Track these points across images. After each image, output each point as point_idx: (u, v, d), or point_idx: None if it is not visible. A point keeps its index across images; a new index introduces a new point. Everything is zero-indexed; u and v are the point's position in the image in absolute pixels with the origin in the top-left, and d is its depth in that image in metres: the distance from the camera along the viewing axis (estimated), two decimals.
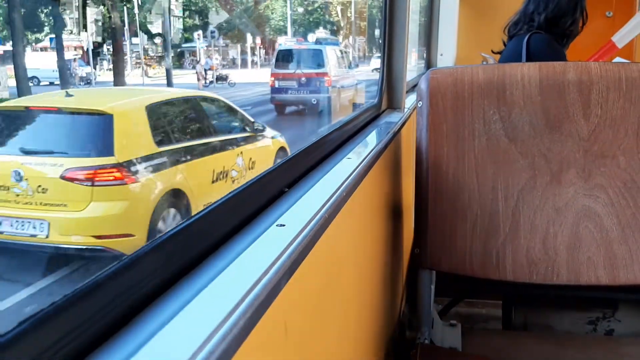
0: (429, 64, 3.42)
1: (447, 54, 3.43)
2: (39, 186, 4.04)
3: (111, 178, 4.10)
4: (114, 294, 0.49)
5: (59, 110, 4.63)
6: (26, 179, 4.04)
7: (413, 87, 2.35)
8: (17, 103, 5.09)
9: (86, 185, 4.07)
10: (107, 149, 4.14)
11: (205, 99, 6.27)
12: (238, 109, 5.94)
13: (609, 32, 2.72)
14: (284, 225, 0.70)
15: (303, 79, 11.99)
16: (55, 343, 0.42)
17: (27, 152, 4.33)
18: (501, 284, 1.41)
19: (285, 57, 13.48)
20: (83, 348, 0.44)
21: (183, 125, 5.22)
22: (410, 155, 1.81)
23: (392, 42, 1.81)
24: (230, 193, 0.71)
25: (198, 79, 16.70)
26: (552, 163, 1.36)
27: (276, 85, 12.03)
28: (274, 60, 13.49)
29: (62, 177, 4.02)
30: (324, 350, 0.87)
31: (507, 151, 1.37)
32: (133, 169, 4.20)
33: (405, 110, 1.88)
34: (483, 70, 1.41)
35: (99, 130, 4.31)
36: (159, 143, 4.51)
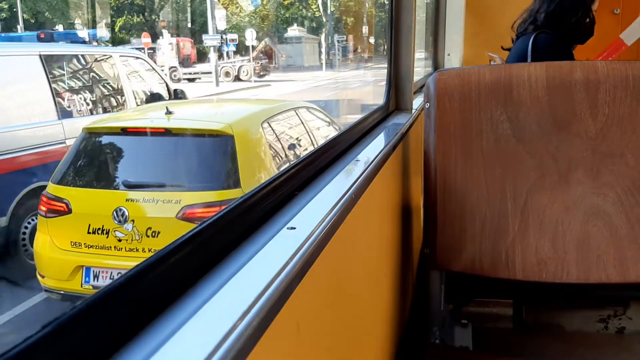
0: (436, 64, 3.43)
1: (454, 54, 3.43)
2: (149, 228, 3.25)
3: None
4: (132, 298, 0.51)
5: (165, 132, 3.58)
6: (132, 220, 3.24)
7: (420, 88, 2.36)
8: (111, 124, 4.09)
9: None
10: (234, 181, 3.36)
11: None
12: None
13: (617, 30, 2.71)
14: (294, 228, 0.71)
15: None
16: (77, 345, 0.44)
17: (131, 186, 3.44)
18: (511, 283, 1.42)
19: None
20: (105, 349, 0.46)
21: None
22: (418, 156, 1.82)
23: (399, 43, 1.81)
24: (241, 197, 0.73)
25: None
26: (560, 162, 1.36)
27: None
28: None
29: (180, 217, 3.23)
30: (335, 350, 0.88)
31: (515, 151, 1.38)
32: None
33: (413, 111, 1.88)
34: (490, 71, 1.42)
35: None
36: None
